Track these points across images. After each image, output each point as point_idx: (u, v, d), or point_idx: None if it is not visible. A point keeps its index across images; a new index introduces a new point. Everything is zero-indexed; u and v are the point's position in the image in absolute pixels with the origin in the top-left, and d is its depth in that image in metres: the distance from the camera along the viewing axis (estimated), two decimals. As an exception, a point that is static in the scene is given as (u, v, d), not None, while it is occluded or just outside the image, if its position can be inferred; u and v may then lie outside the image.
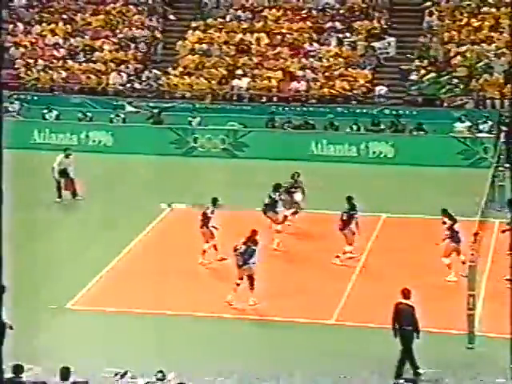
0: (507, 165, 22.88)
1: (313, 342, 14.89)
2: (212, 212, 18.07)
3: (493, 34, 29.80)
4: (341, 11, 31.95)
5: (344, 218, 18.08)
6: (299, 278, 17.48)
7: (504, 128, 25.45)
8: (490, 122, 26.59)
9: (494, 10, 30.49)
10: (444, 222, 17.06)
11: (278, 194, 19.24)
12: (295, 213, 20.11)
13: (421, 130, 27.20)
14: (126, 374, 12.36)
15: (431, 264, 17.30)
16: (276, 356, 14.31)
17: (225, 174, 25.44)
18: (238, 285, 15.90)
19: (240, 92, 30.50)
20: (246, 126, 28.16)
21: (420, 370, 13.48)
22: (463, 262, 16.17)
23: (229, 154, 27.66)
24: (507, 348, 14.36)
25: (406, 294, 13.62)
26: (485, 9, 30.55)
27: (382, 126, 27.67)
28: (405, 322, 13.32)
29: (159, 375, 12.07)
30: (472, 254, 14.87)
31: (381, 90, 29.58)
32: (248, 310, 15.94)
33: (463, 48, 29.76)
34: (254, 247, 15.82)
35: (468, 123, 27.14)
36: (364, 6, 31.82)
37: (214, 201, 18.20)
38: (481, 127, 26.95)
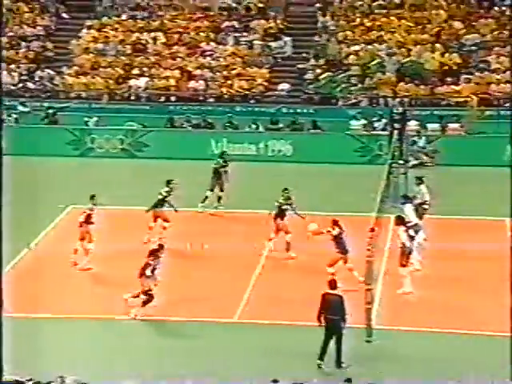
0: (401, 161, 23.61)
1: (214, 341, 14.90)
2: (91, 209, 17.85)
3: (383, 33, 30.64)
4: (237, 11, 32.13)
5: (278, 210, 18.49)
6: (200, 278, 17.45)
7: (397, 125, 26.26)
8: (384, 120, 27.33)
9: (384, 10, 31.33)
10: (329, 231, 16.76)
11: (166, 190, 19.11)
12: (219, 198, 20.82)
13: (318, 128, 27.69)
14: (29, 380, 12.00)
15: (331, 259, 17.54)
16: (174, 356, 14.24)
17: (124, 175, 25.14)
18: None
19: (138, 92, 30.21)
20: (144, 126, 27.94)
21: (322, 364, 13.72)
22: (350, 270, 16.50)
23: (128, 154, 27.37)
24: (404, 340, 14.83)
25: (332, 284, 13.96)
26: (376, 10, 31.37)
27: (281, 125, 28.01)
28: (333, 312, 13.60)
29: (59, 380, 11.79)
30: (369, 250, 15.22)
31: (283, 86, 29.90)
32: (150, 311, 15.79)
33: (357, 47, 30.47)
34: (151, 262, 15.61)
35: (363, 121, 27.82)
36: (260, 5, 32.09)
37: (92, 197, 17.99)
38: (375, 125, 27.67)
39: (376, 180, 19.83)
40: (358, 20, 31.14)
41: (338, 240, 16.75)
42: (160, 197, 18.94)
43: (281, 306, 16.05)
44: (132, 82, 30.29)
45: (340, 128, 27.38)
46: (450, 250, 18.46)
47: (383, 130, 27.18)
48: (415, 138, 26.57)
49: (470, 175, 24.20)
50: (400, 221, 17.12)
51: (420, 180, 19.73)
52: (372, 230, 15.83)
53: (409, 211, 18.07)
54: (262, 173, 24.85)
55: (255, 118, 28.09)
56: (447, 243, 18.79)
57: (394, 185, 21.57)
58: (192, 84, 30.20)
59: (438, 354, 14.22)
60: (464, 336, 14.75)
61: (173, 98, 29.98)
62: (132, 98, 30.15)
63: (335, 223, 16.95)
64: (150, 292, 15.51)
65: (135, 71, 30.56)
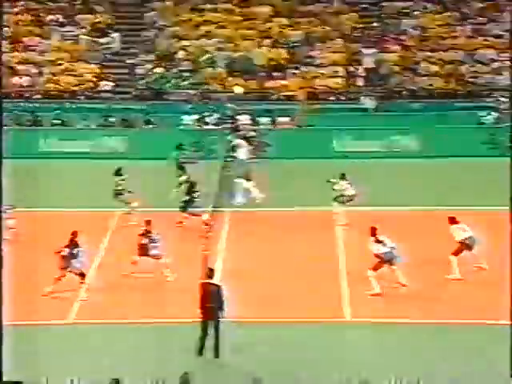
0: (233, 154, 24.02)
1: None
2: None
3: (212, 28, 30.92)
4: (61, 4, 31.25)
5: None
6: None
7: (229, 120, 26.67)
8: (216, 115, 27.63)
9: (212, 5, 31.59)
10: None
11: None
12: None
13: (150, 123, 27.55)
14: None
15: (192, 255, 17.03)
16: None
17: None
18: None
19: (-43, 89, 28.66)
20: (-34, 125, 26.59)
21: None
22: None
23: None
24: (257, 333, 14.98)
25: (210, 274, 13.92)
26: (204, 6, 31.57)
27: (113, 121, 27.61)
28: (210, 301, 13.55)
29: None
30: (204, 244, 15.31)
31: (105, 85, 29.44)
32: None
33: (186, 42, 30.56)
34: (78, 249, 15.90)
35: (195, 116, 27.98)
36: (86, -1, 31.43)
37: None
38: (208, 120, 27.92)
39: (211, 174, 19.96)
40: (187, 15, 31.23)
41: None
42: None
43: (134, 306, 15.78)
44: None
45: (173, 123, 27.39)
46: (284, 242, 18.92)
47: (215, 124, 27.48)
48: (245, 132, 27.06)
49: (300, 168, 24.98)
50: None
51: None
52: (207, 224, 15.95)
53: None
54: (94, 170, 24.36)
55: (86, 115, 27.53)
56: (278, 236, 19.23)
57: (227, 179, 21.85)
58: (16, 80, 29.08)
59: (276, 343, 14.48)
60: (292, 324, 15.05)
61: (-4, 95, 28.74)
62: None
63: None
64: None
65: (-48, 67, 29.02)
